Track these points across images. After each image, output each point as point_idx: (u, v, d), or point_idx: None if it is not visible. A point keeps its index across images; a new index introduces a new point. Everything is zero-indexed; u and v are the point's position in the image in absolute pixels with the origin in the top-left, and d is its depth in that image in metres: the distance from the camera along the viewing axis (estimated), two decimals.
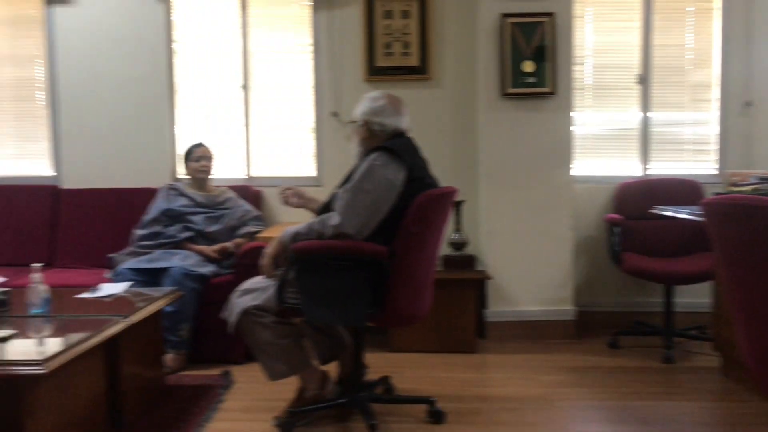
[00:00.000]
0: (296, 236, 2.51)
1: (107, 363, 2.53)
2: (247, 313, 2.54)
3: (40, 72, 4.29)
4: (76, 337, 2.26)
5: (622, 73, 4.18)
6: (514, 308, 3.89)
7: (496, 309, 3.90)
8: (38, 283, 2.61)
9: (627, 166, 4.22)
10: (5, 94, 4.32)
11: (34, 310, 2.61)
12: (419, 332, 3.62)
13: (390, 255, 2.42)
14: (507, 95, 3.82)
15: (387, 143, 2.56)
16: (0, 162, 4.37)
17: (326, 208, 2.60)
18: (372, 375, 2.97)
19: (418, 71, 4.11)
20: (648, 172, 4.20)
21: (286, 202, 2.90)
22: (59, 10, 4.20)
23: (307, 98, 4.26)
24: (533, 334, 3.87)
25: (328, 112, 4.18)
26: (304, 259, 2.47)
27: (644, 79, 4.16)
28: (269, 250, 2.57)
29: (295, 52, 4.25)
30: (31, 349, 2.25)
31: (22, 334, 2.35)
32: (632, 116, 4.21)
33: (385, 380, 2.98)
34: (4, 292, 2.70)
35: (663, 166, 4.21)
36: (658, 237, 3.86)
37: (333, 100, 4.18)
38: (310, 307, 2.48)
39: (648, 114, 4.18)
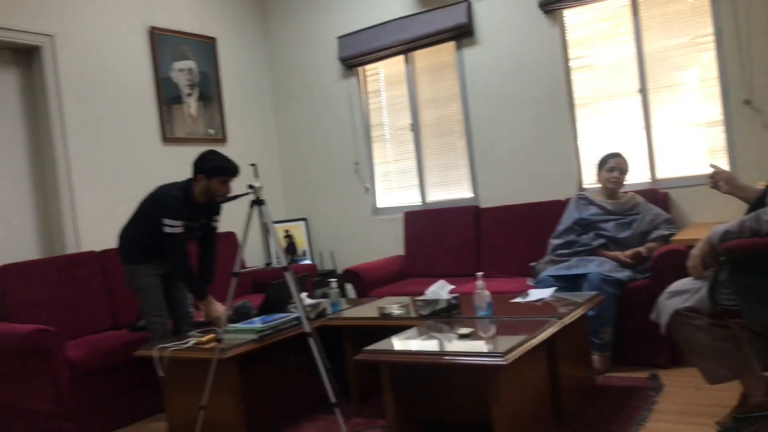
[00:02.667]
0: (726, 235, 2.43)
1: (547, 360, 2.81)
2: (678, 314, 2.54)
3: (456, 109, 4.96)
4: (523, 334, 2.58)
5: None
6: None
7: None
8: (482, 289, 3.05)
9: None
10: (430, 132, 5.11)
11: (481, 312, 3.05)
12: None
13: None
14: None
15: None
16: (430, 189, 5.16)
17: (760, 202, 2.45)
18: None
19: None
20: None
21: (715, 186, 2.77)
22: (467, 52, 4.81)
23: (711, 90, 4.04)
24: None
25: (739, 101, 3.89)
26: (737, 259, 2.38)
27: None
28: (696, 250, 2.54)
29: (692, 45, 4.09)
30: (489, 343, 2.63)
31: (475, 332, 2.77)
32: None
33: None
34: (455, 297, 3.21)
35: None
36: None
37: (743, 87, 3.87)
38: (750, 308, 2.37)
39: None
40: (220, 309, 3.39)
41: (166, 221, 3.34)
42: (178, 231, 3.37)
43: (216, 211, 3.64)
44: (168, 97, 4.90)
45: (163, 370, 3.09)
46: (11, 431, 3.55)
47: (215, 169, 3.38)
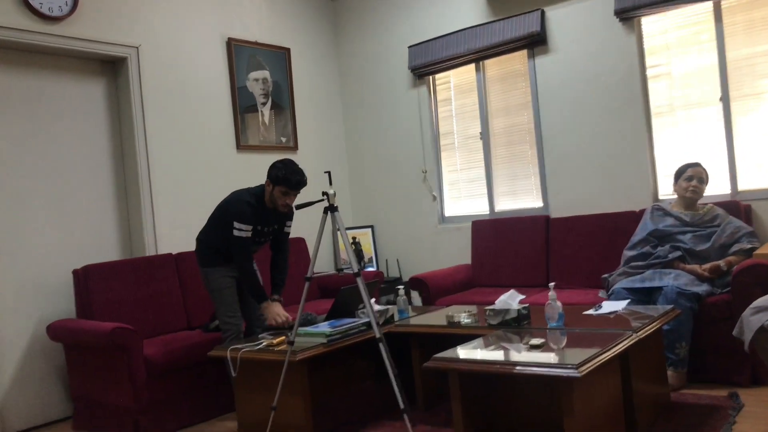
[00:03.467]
0: None
1: (621, 374, 2.73)
2: (764, 331, 2.44)
3: (526, 117, 4.91)
4: (596, 347, 2.52)
5: None
6: None
7: None
8: (554, 300, 3.00)
9: None
10: (500, 141, 5.08)
11: (552, 324, 3.00)
12: None
13: None
14: None
15: None
16: (499, 198, 5.12)
17: None
18: None
19: None
20: None
21: None
22: (539, 61, 4.75)
23: None
24: None
25: None
26: None
27: None
28: None
29: None
30: (562, 355, 2.59)
31: (547, 343, 2.73)
32: None
33: None
34: (525, 308, 3.17)
35: None
36: None
37: None
38: None
39: None
40: (275, 310, 3.46)
41: (236, 224, 3.44)
42: (245, 235, 3.47)
43: (289, 216, 3.72)
44: (243, 105, 5.05)
45: (235, 370, 3.17)
46: (92, 423, 3.71)
47: (278, 178, 3.46)
